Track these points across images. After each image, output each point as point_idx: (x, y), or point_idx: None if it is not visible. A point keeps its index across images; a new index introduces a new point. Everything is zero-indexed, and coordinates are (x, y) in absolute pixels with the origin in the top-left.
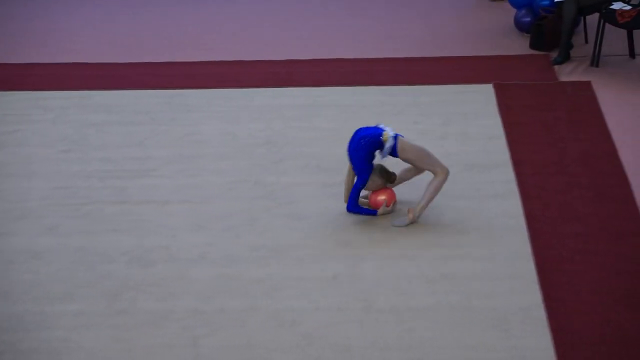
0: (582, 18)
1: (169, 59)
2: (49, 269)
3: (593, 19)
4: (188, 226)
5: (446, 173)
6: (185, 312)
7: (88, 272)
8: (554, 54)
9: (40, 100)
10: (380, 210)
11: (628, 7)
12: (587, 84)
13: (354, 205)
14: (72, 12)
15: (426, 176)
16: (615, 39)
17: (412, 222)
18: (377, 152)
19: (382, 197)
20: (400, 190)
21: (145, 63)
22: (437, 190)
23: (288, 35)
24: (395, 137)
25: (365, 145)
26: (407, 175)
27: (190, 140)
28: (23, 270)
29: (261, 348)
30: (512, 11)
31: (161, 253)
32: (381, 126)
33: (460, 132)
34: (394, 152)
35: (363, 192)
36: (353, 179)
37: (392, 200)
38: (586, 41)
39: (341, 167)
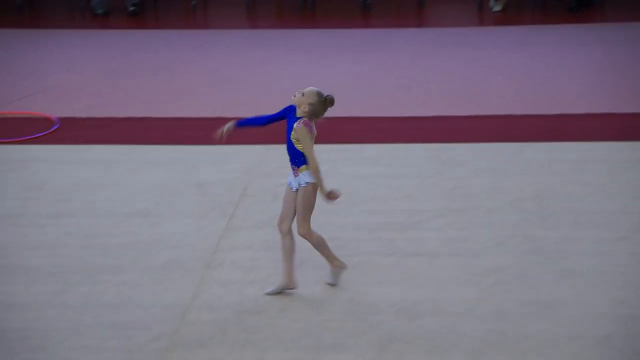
0: None
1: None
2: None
3: None
4: (456, 279)
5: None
6: None
7: (357, 323)
8: None
9: None
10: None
11: None
12: None
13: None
14: None
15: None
16: None
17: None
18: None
19: None
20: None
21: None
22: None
23: (573, 88)
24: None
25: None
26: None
27: (459, 194)
28: None
29: None
30: None
31: (428, 306)
32: None
33: None
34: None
35: None
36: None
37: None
38: None
39: (612, 224)
